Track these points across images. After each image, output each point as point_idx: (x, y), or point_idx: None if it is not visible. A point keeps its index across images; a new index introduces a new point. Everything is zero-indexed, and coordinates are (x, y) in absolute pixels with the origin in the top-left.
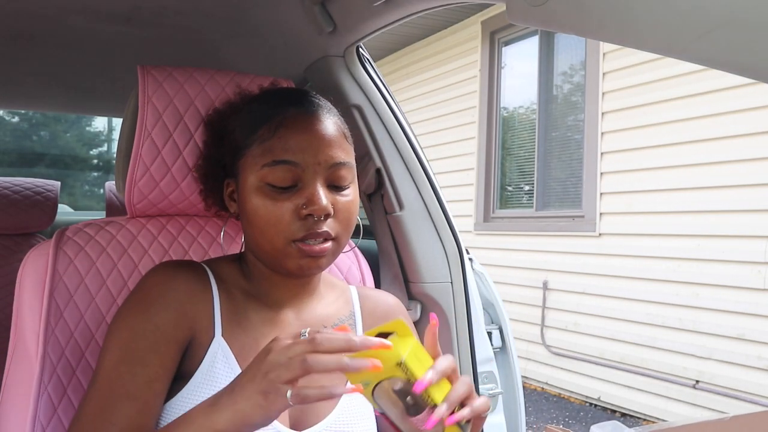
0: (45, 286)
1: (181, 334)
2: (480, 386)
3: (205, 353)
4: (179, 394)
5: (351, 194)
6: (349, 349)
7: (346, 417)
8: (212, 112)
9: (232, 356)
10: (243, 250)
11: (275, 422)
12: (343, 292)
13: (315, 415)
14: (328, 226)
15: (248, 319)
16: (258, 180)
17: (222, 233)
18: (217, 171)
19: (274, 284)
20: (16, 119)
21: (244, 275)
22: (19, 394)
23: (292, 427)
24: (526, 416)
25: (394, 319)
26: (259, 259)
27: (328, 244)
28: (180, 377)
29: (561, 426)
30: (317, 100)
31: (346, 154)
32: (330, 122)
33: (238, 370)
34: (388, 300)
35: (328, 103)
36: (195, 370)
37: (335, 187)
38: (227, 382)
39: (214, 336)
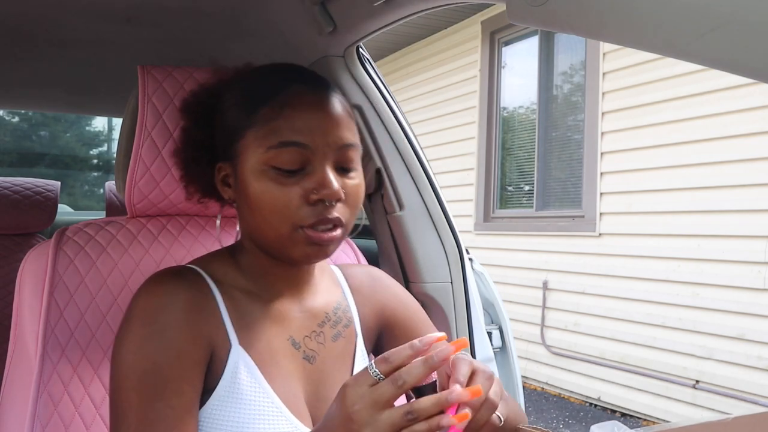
0: (45, 286)
1: (202, 353)
2: None
3: (225, 365)
4: (203, 409)
5: (358, 177)
6: (432, 369)
7: None
8: (190, 95)
9: (253, 364)
10: (238, 239)
11: (299, 423)
12: (330, 274)
13: None
14: (338, 212)
15: (256, 320)
16: (261, 163)
17: (218, 224)
18: (202, 155)
19: (276, 277)
20: (16, 119)
21: (240, 271)
22: (18, 394)
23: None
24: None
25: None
26: (261, 248)
27: (338, 232)
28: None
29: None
30: (319, 77)
31: (353, 134)
32: (337, 101)
33: (261, 378)
34: (372, 272)
35: (328, 81)
36: (216, 383)
37: (343, 169)
38: (251, 392)
39: (231, 346)
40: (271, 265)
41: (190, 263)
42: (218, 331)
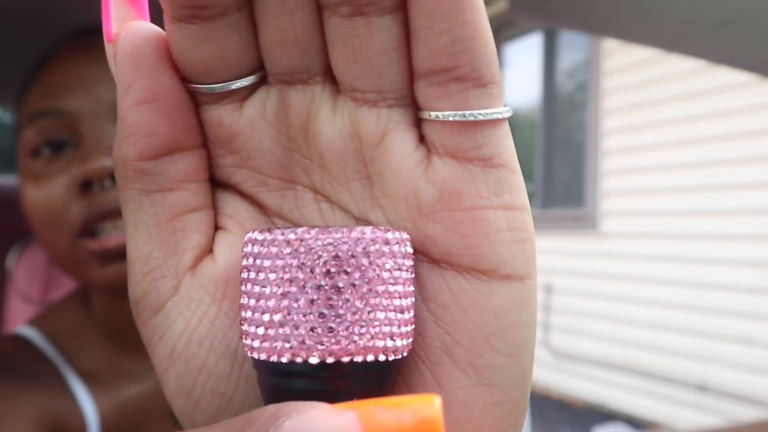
0: (39, 287)
1: None
2: None
3: None
4: None
5: None
6: None
7: None
8: None
9: None
10: None
11: None
12: None
13: None
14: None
15: (121, 390)
16: (24, 155)
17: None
18: None
19: (119, 311)
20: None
21: (93, 322)
22: None
23: None
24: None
25: None
26: None
27: None
28: None
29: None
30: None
31: None
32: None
33: None
34: None
35: None
36: None
37: None
38: None
39: None
40: (125, 311)
41: (26, 324)
42: (75, 419)
